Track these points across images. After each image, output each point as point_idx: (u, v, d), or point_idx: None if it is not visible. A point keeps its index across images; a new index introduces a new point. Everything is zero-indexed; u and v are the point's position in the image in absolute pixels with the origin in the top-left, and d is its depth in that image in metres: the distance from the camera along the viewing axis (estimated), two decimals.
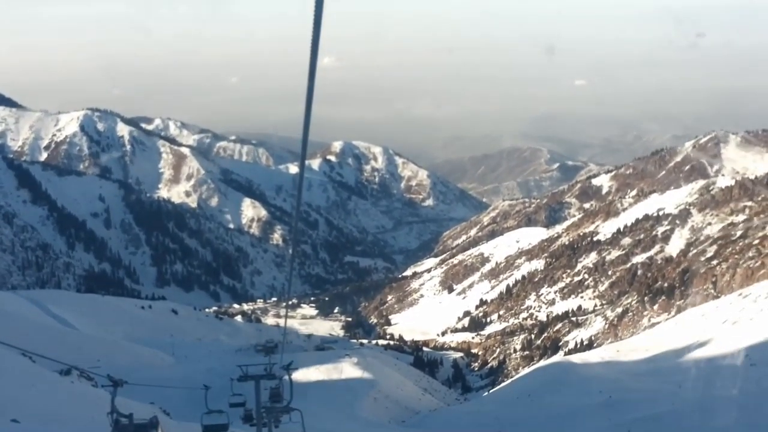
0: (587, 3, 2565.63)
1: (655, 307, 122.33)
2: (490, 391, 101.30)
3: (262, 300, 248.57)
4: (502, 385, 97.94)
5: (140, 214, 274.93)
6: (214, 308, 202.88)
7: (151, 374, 67.85)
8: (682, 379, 54.68)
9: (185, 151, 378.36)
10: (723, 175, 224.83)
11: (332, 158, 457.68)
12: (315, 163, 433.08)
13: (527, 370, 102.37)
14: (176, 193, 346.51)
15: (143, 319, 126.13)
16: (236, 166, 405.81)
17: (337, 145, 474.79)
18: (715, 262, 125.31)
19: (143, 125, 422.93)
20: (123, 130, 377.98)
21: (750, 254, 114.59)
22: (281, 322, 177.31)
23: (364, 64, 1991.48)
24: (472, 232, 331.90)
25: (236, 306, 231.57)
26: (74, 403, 38.21)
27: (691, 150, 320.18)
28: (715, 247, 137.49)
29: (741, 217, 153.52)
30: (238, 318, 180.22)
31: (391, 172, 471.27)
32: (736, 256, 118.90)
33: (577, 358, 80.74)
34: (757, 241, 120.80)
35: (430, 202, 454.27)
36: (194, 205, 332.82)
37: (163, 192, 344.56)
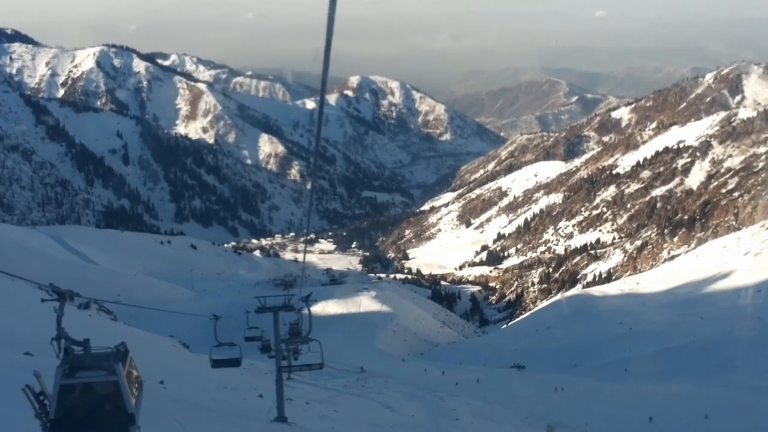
0: None
1: (675, 239, 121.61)
2: (509, 323, 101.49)
3: (280, 235, 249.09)
4: (521, 318, 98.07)
5: (158, 150, 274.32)
6: (233, 243, 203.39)
7: (170, 308, 68.13)
8: (703, 311, 54.34)
9: (202, 86, 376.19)
10: (745, 107, 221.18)
11: (349, 93, 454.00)
12: (332, 98, 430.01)
13: (545, 303, 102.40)
14: (193, 129, 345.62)
15: (162, 254, 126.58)
16: (253, 102, 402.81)
17: (354, 80, 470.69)
18: (736, 194, 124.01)
19: (159, 61, 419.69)
20: (139, 65, 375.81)
21: None
22: (299, 256, 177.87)
23: None
24: (490, 166, 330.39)
25: (255, 241, 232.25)
26: (91, 336, 38.31)
27: (713, 82, 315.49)
28: (736, 179, 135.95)
29: (763, 149, 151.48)
30: (257, 253, 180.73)
31: (408, 107, 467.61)
32: (759, 188, 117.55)
33: (596, 290, 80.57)
34: None
35: (447, 136, 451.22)
36: (211, 141, 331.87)
37: (181, 128, 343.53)
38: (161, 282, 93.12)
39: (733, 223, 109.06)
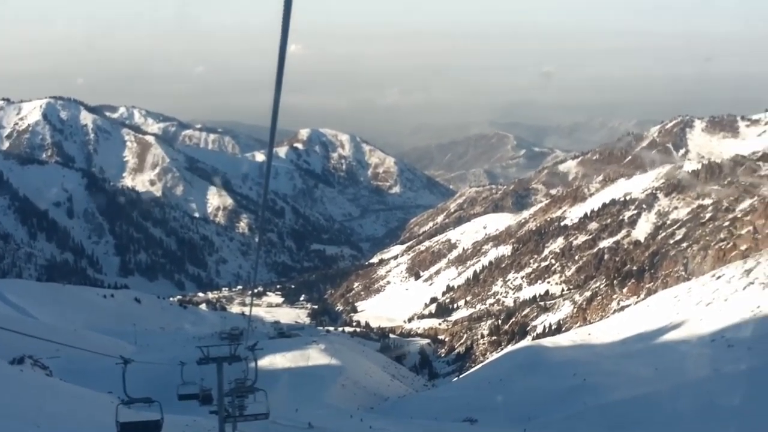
0: None
1: (624, 290, 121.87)
2: (459, 376, 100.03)
3: (227, 288, 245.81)
4: (471, 370, 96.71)
5: (104, 204, 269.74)
6: (179, 297, 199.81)
7: (111, 364, 65.39)
8: (658, 362, 53.46)
9: (150, 139, 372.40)
10: (689, 159, 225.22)
11: (299, 146, 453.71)
12: (282, 151, 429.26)
13: (496, 355, 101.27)
14: (141, 181, 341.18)
15: (105, 308, 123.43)
16: (202, 155, 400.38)
17: (304, 133, 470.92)
18: (684, 245, 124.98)
19: (107, 114, 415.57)
20: (87, 118, 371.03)
21: (721, 236, 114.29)
22: (246, 310, 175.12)
23: (331, 52, 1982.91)
24: (439, 218, 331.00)
25: (201, 294, 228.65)
26: (22, 392, 35.98)
27: (657, 135, 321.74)
28: (684, 229, 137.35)
29: (708, 201, 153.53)
30: (203, 306, 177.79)
31: (358, 160, 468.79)
32: (707, 238, 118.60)
33: (548, 341, 79.57)
34: (727, 223, 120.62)
35: (397, 189, 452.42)
36: (159, 193, 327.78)
37: (128, 181, 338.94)
38: (102, 336, 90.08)
39: (683, 273, 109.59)
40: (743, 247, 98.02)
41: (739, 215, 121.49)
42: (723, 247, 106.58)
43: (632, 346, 64.03)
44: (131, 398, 16.10)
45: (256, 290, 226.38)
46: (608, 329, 78.13)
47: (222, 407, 19.18)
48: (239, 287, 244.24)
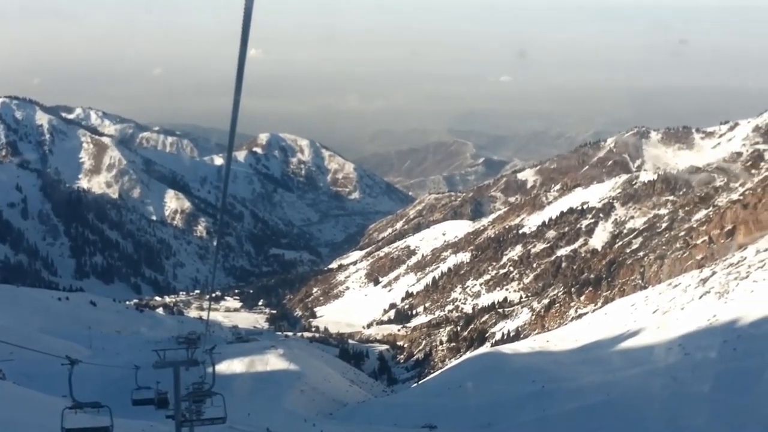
0: (511, 1, 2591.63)
1: (582, 298, 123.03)
2: (418, 382, 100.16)
3: (184, 292, 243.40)
4: (430, 376, 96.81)
5: (59, 205, 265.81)
6: (135, 300, 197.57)
7: (65, 367, 64.55)
8: (615, 369, 54.00)
9: (106, 140, 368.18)
10: (645, 170, 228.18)
11: (258, 150, 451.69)
12: (241, 155, 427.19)
13: (455, 361, 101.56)
14: (97, 183, 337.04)
15: (60, 311, 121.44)
16: (159, 157, 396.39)
17: (263, 137, 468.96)
18: (641, 253, 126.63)
19: (63, 114, 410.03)
20: (42, 118, 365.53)
21: (677, 245, 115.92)
22: (204, 314, 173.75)
23: (291, 57, 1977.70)
24: (398, 225, 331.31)
25: (158, 298, 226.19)
26: None
27: (614, 145, 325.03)
28: (640, 239, 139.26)
29: (664, 210, 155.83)
30: (160, 310, 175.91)
31: (318, 165, 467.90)
32: (664, 248, 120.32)
33: (507, 348, 79.99)
34: (683, 233, 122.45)
35: (356, 195, 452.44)
36: (115, 195, 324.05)
37: (84, 182, 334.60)
38: (57, 340, 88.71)
39: (639, 281, 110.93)
40: (699, 257, 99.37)
41: (694, 225, 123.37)
42: (679, 256, 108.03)
43: (590, 353, 64.63)
44: (79, 402, 15.24)
45: (214, 294, 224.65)
46: (566, 336, 78.80)
47: (179, 411, 18.94)
48: (197, 291, 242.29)
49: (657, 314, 69.49)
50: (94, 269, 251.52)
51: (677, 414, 38.04)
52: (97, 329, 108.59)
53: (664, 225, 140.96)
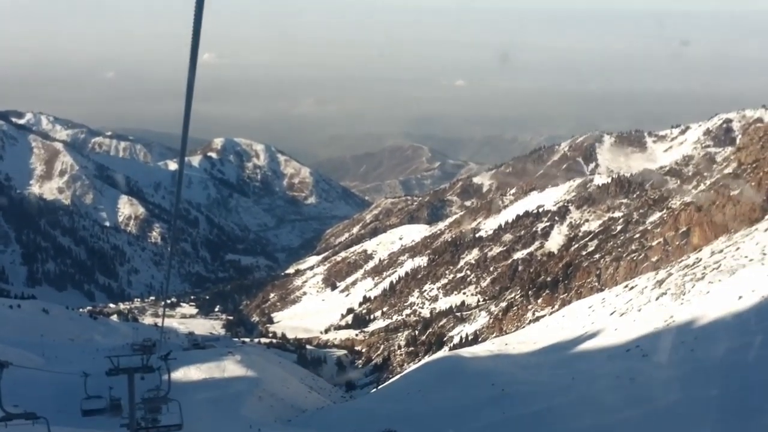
0: (464, 5, 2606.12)
1: (539, 301, 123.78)
2: (378, 387, 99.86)
3: (139, 299, 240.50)
4: (390, 381, 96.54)
5: (10, 211, 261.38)
6: (89, 308, 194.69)
7: (17, 376, 63.23)
8: (574, 372, 54.20)
9: (58, 146, 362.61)
10: (599, 173, 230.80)
11: (213, 155, 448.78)
12: (195, 160, 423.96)
13: (414, 365, 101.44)
14: (49, 189, 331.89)
15: (10, 319, 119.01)
16: (113, 163, 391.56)
17: (218, 142, 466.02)
18: (597, 256, 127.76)
19: (13, 119, 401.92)
20: None
21: (633, 247, 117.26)
22: (159, 321, 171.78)
23: (245, 61, 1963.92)
24: (355, 229, 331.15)
25: (112, 305, 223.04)
26: None
27: (568, 149, 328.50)
28: (596, 241, 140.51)
29: (619, 213, 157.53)
30: (114, 317, 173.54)
31: (274, 170, 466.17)
32: (619, 250, 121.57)
33: (465, 352, 79.98)
34: (638, 235, 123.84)
35: (312, 200, 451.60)
36: (68, 201, 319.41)
37: (35, 188, 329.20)
38: (7, 347, 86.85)
39: (596, 284, 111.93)
40: (654, 259, 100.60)
41: (649, 227, 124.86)
42: (635, 258, 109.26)
43: (549, 355, 64.88)
44: (9, 414, 13.72)
45: (169, 301, 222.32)
46: (525, 339, 79.07)
47: (133, 420, 18.54)
48: (152, 298, 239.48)
49: (614, 316, 70.03)
50: (46, 276, 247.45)
51: (636, 413, 38.22)
52: (49, 337, 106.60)
53: (619, 227, 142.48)
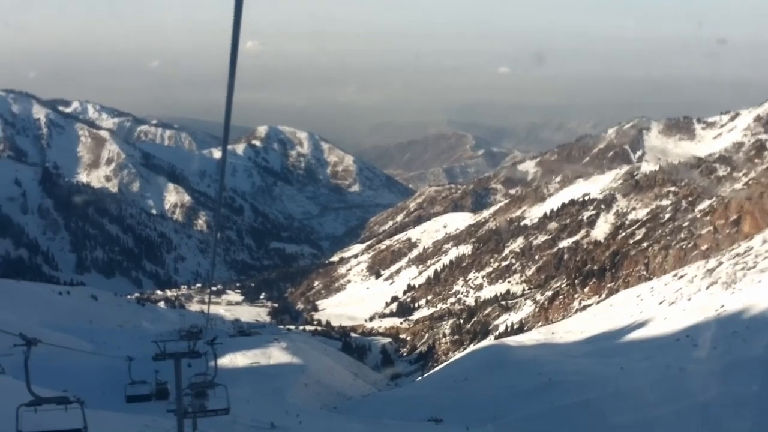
0: None
1: (586, 289, 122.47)
2: (424, 375, 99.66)
3: (186, 286, 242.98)
4: (435, 369, 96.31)
5: (59, 199, 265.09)
6: (136, 294, 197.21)
7: (67, 361, 64.06)
8: (623, 361, 53.48)
9: (105, 134, 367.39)
10: (646, 161, 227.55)
11: (257, 143, 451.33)
12: (239, 148, 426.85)
13: (459, 354, 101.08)
14: (96, 177, 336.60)
15: (61, 305, 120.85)
16: (158, 151, 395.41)
17: (262, 130, 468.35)
18: (645, 244, 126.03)
19: (61, 108, 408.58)
20: (39, 112, 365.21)
21: (682, 236, 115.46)
22: (205, 308, 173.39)
23: (288, 49, 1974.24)
24: (399, 217, 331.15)
25: (159, 292, 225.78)
26: None
27: (614, 136, 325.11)
28: (643, 229, 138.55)
29: (667, 201, 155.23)
30: (162, 304, 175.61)
31: (317, 158, 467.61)
32: (668, 238, 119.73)
33: (511, 340, 79.42)
34: (687, 223, 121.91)
35: (356, 188, 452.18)
36: (115, 189, 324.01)
37: (83, 176, 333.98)
38: (58, 334, 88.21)
39: (644, 272, 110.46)
40: (704, 247, 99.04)
41: (698, 215, 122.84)
42: (684, 246, 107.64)
43: (597, 345, 64.13)
44: (39, 397, 12.33)
45: (215, 288, 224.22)
46: (572, 328, 78.31)
47: (180, 405, 18.51)
48: (198, 285, 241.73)
49: (663, 305, 69.05)
50: (94, 263, 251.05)
51: (687, 405, 37.60)
52: (98, 323, 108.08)
53: (667, 216, 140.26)
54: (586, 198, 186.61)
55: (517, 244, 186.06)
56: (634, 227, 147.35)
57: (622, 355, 56.12)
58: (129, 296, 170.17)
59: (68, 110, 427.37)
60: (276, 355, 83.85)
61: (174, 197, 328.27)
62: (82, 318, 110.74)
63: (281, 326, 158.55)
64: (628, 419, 39.30)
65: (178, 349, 18.00)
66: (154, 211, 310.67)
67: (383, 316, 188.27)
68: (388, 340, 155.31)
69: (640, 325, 64.20)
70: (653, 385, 44.07)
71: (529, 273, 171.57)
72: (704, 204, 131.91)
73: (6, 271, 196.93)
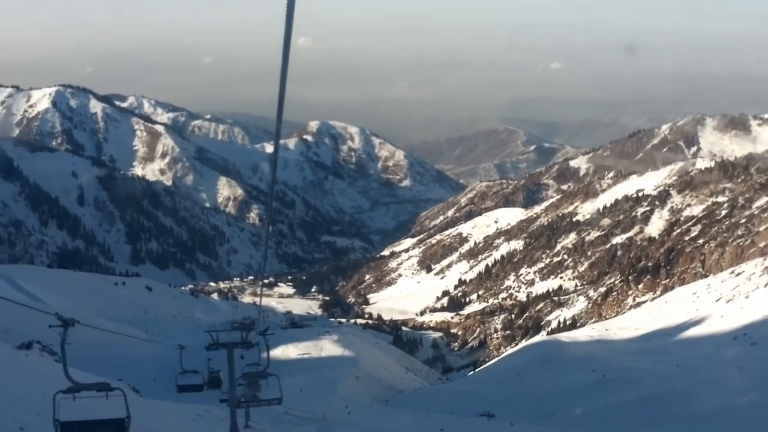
0: None
1: (640, 286, 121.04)
2: (475, 370, 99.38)
3: (238, 278, 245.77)
4: (487, 364, 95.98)
5: (114, 192, 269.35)
6: (190, 286, 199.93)
7: (122, 350, 65.11)
8: (679, 359, 52.79)
9: (159, 128, 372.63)
10: (701, 157, 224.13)
11: (309, 138, 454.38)
12: (291, 143, 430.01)
13: (512, 349, 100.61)
14: (151, 170, 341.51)
15: (116, 296, 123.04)
16: (212, 145, 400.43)
17: (313, 125, 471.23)
18: (701, 241, 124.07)
19: (117, 103, 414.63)
20: (96, 106, 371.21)
21: (739, 232, 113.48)
22: (258, 300, 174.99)
23: (339, 45, 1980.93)
24: (450, 212, 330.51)
25: (212, 284, 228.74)
26: (27, 378, 35.61)
27: (669, 132, 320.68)
28: (699, 226, 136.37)
29: (723, 198, 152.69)
30: (214, 296, 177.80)
31: (368, 153, 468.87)
32: (724, 235, 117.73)
33: (564, 336, 78.87)
34: (744, 220, 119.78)
35: (407, 182, 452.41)
36: (169, 183, 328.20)
37: (138, 170, 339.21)
38: (114, 323, 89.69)
39: (700, 269, 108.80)
40: (762, 244, 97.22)
41: (756, 212, 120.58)
42: (741, 243, 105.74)
43: (652, 342, 63.32)
44: (78, 383, 11.27)
45: (267, 281, 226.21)
46: (626, 325, 77.42)
47: (233, 394, 18.76)
48: (251, 277, 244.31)
49: (720, 302, 67.91)
50: (149, 255, 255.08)
51: (744, 404, 36.98)
52: (153, 314, 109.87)
53: (723, 212, 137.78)
54: (640, 194, 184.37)
55: (570, 239, 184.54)
56: (690, 224, 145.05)
57: (678, 353, 55.40)
58: (183, 288, 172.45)
59: (124, 105, 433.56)
60: (327, 347, 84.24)
61: (227, 191, 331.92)
62: (137, 309, 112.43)
63: (332, 319, 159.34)
64: (686, 416, 38.84)
65: (231, 340, 18.12)
66: (207, 204, 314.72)
67: (434, 310, 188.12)
68: (439, 334, 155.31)
69: (696, 322, 63.26)
70: (710, 384, 43.47)
71: (581, 269, 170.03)
72: (762, 201, 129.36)
73: (63, 262, 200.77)
